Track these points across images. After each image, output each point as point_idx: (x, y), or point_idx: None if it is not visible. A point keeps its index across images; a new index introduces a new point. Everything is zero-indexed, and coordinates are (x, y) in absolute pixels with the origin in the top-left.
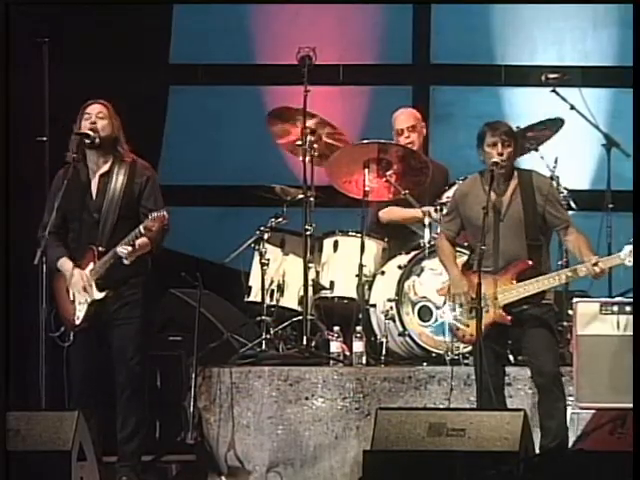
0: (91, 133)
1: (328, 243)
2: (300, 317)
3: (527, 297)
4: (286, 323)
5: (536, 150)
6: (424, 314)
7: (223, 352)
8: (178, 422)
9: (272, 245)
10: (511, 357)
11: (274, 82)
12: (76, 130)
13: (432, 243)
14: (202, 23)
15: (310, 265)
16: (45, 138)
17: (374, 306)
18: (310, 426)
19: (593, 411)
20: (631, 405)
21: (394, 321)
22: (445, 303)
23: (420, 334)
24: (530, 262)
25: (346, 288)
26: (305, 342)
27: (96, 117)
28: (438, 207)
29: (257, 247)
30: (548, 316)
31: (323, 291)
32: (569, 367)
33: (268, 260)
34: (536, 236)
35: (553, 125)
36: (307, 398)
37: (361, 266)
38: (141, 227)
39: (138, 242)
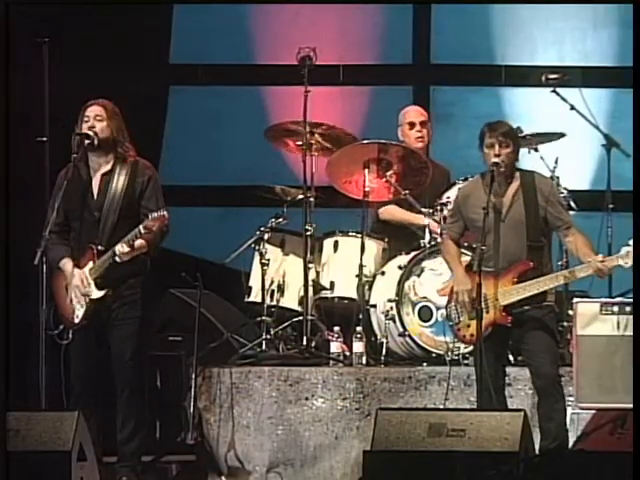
0: (90, 133)
1: (328, 243)
2: (300, 317)
3: (528, 298)
4: (286, 323)
5: (536, 150)
6: (424, 314)
7: (223, 352)
8: (178, 422)
9: (272, 245)
10: (511, 357)
11: (274, 82)
12: (77, 131)
13: (432, 243)
14: (202, 23)
15: (310, 265)
16: (45, 138)
17: (374, 306)
18: (310, 426)
19: (593, 411)
20: (631, 405)
21: (394, 321)
22: (448, 303)
23: (420, 334)
24: (531, 263)
25: (346, 288)
26: (305, 342)
27: (94, 120)
28: (438, 207)
29: (257, 247)
30: (549, 318)
31: (323, 291)
32: (569, 367)
33: (268, 260)
34: (537, 237)
35: (553, 137)
36: (307, 398)
37: (361, 266)
38: (141, 227)
39: (136, 243)
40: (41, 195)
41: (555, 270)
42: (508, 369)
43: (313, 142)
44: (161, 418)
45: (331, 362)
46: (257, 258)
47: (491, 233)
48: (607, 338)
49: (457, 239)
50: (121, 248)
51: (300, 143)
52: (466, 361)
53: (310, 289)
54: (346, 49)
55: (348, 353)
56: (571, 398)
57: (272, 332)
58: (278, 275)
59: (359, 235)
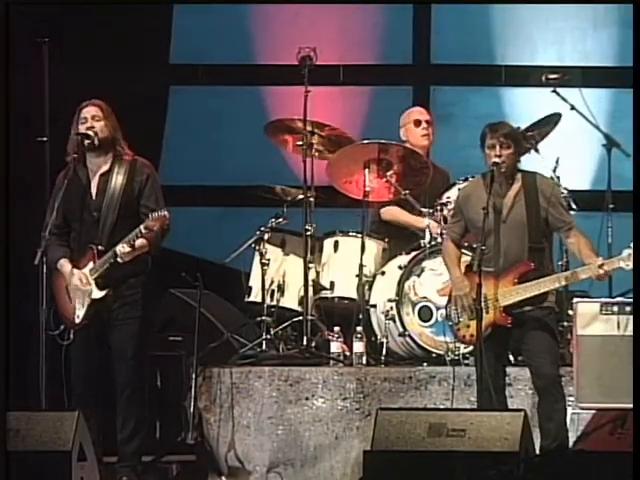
0: (90, 133)
1: (328, 243)
2: (300, 317)
3: (528, 299)
4: (286, 323)
5: (536, 150)
6: (424, 314)
7: (223, 352)
8: (178, 422)
9: (272, 245)
10: (511, 357)
11: (274, 82)
12: (74, 131)
13: (432, 243)
14: (202, 23)
15: (310, 265)
16: (45, 138)
17: (374, 306)
18: (310, 426)
19: (593, 411)
20: (631, 405)
21: (394, 321)
22: (448, 303)
23: (420, 334)
24: (532, 264)
25: (346, 288)
26: (305, 342)
27: (92, 120)
28: (438, 207)
29: (257, 247)
30: (549, 318)
31: (323, 291)
32: (569, 367)
33: (268, 260)
34: (538, 239)
35: (551, 120)
36: (307, 398)
37: (361, 266)
38: (142, 227)
39: (137, 243)
40: (41, 195)
41: (556, 271)
42: (508, 369)
43: (314, 142)
44: (161, 418)
45: (331, 362)
46: (257, 258)
47: (492, 234)
48: (607, 338)
49: (458, 240)
50: (122, 248)
51: (300, 143)
52: (466, 361)
53: (310, 289)
54: (346, 49)
55: (348, 353)
56: (571, 398)
57: (272, 332)
58: (278, 275)
59: (359, 235)
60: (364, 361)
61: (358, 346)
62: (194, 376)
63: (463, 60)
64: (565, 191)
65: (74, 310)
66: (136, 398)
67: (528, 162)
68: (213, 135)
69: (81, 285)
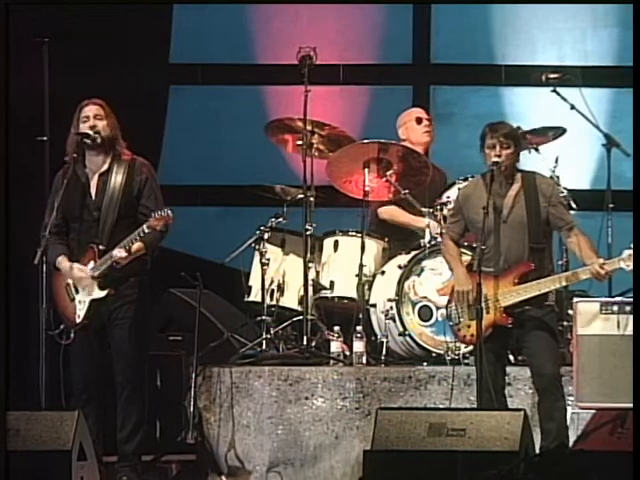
0: (91, 133)
1: (328, 243)
2: (300, 317)
3: (529, 299)
4: (286, 323)
5: (536, 150)
6: (424, 314)
7: (223, 352)
8: (178, 422)
9: (272, 245)
10: (511, 357)
11: (274, 82)
12: (74, 131)
13: (432, 243)
14: (202, 23)
15: (310, 265)
16: (45, 138)
17: (374, 306)
18: (310, 426)
19: (593, 411)
20: (631, 405)
21: (394, 321)
22: (448, 303)
23: (420, 334)
24: (532, 265)
25: (346, 288)
26: (305, 342)
27: (94, 119)
28: (438, 206)
29: (257, 247)
30: (549, 318)
31: (323, 291)
32: (569, 367)
33: (268, 260)
34: (539, 239)
35: (554, 132)
36: (307, 398)
37: (361, 266)
38: (145, 226)
39: (134, 247)
40: (41, 195)
41: (556, 271)
42: (508, 369)
43: (314, 141)
44: (161, 418)
45: (331, 362)
46: (257, 258)
47: (492, 234)
48: (607, 338)
49: (457, 239)
50: (118, 253)
51: (300, 142)
52: (466, 361)
53: (310, 289)
54: (346, 49)
55: (348, 353)
56: (571, 398)
57: (272, 332)
58: (278, 275)
59: (359, 235)
60: (364, 361)
61: (358, 346)
62: (194, 376)
63: (463, 60)
64: (565, 191)
65: (74, 310)
66: (136, 397)
67: (528, 162)
68: (213, 135)
69: (82, 274)
